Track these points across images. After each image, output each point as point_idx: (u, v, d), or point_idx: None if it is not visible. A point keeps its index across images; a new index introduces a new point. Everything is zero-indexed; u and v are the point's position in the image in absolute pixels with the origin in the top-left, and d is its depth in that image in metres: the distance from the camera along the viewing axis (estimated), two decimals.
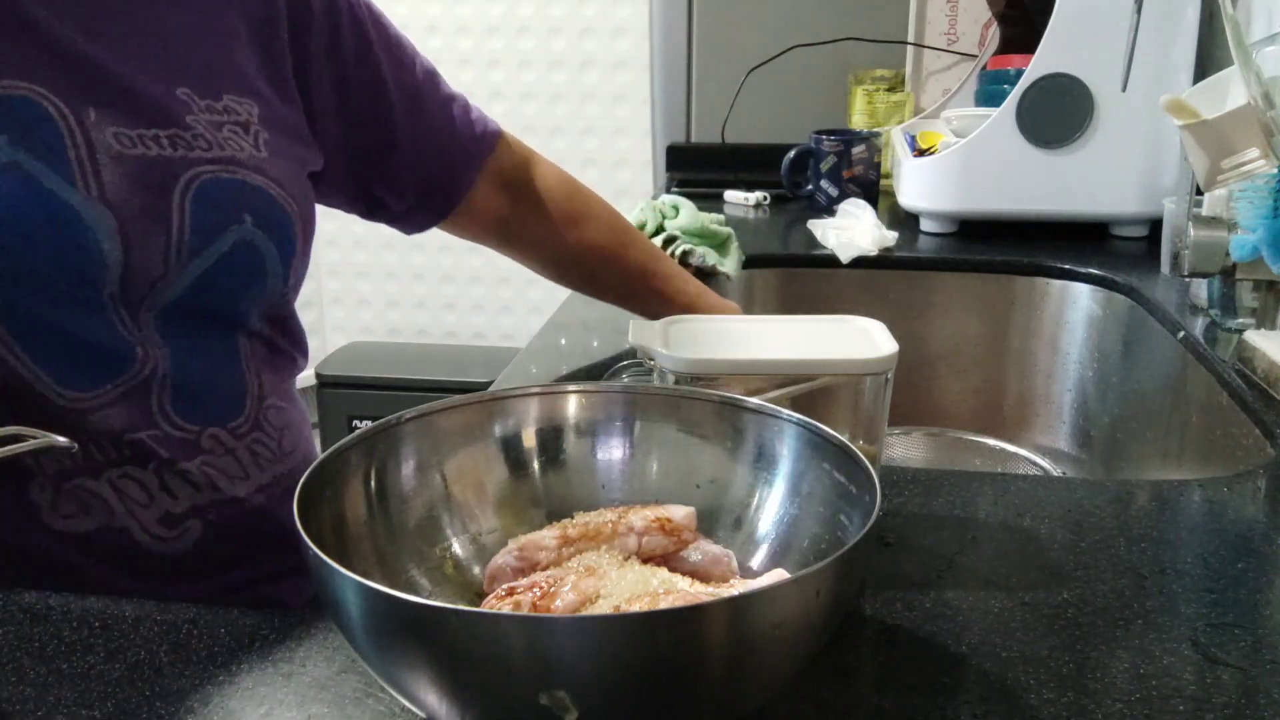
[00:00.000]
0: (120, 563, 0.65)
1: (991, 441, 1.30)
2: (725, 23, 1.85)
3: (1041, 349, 1.30)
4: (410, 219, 0.87)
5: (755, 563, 0.52)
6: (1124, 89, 1.19)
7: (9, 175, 0.58)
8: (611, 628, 0.37)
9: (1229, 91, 0.86)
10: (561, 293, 1.05)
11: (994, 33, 1.68)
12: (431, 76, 0.84)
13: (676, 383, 0.58)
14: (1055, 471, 1.23)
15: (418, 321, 3.00)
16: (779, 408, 0.53)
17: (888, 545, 0.61)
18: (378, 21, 0.80)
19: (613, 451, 0.56)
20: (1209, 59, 1.27)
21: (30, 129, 0.59)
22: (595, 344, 0.98)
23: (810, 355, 0.58)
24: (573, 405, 0.56)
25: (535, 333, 1.05)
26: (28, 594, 0.57)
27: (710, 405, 0.55)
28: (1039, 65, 1.29)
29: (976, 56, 1.71)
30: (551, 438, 0.56)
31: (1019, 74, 1.34)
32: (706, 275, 1.25)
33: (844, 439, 0.49)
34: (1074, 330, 1.26)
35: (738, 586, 0.50)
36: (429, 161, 0.84)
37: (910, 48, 1.75)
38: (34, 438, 0.44)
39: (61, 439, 0.46)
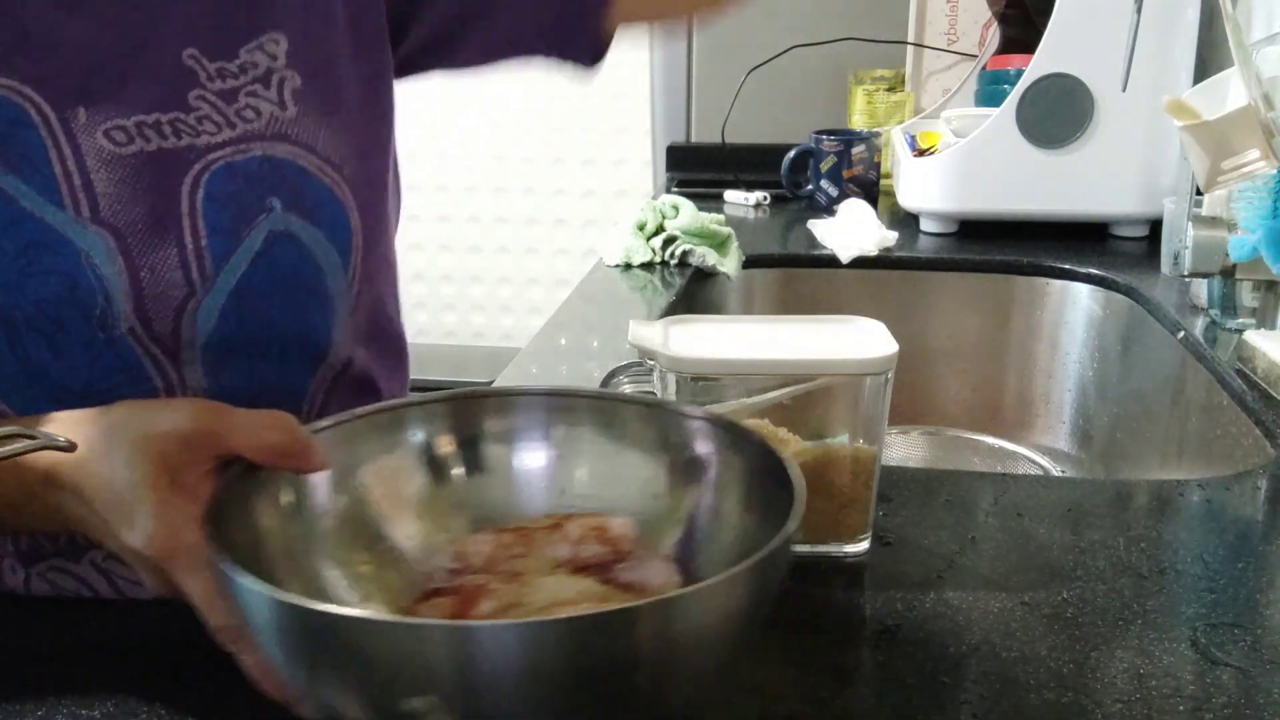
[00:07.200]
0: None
1: (991, 441, 1.30)
2: (725, 23, 1.85)
3: (1041, 349, 1.30)
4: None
5: (687, 569, 0.49)
6: (1124, 89, 1.19)
7: None
8: (496, 635, 0.35)
9: (1229, 92, 0.86)
10: (561, 293, 1.05)
11: (994, 33, 1.68)
12: None
13: (678, 382, 0.58)
14: (1055, 471, 1.23)
15: (418, 321, 2.99)
16: (703, 409, 0.52)
17: (887, 545, 0.61)
18: None
19: (538, 458, 0.54)
20: (1209, 59, 1.27)
21: (6, 138, 0.50)
22: (595, 344, 0.98)
23: (810, 355, 0.58)
24: (494, 410, 0.54)
25: (535, 333, 1.05)
26: (28, 594, 0.57)
27: (637, 409, 0.54)
28: (1039, 65, 1.29)
29: (976, 56, 1.71)
30: (475, 443, 0.54)
31: (1019, 74, 1.34)
32: (706, 275, 1.25)
33: (763, 438, 0.48)
34: (1074, 330, 1.26)
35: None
36: None
37: (910, 48, 1.75)
38: (33, 437, 0.44)
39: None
